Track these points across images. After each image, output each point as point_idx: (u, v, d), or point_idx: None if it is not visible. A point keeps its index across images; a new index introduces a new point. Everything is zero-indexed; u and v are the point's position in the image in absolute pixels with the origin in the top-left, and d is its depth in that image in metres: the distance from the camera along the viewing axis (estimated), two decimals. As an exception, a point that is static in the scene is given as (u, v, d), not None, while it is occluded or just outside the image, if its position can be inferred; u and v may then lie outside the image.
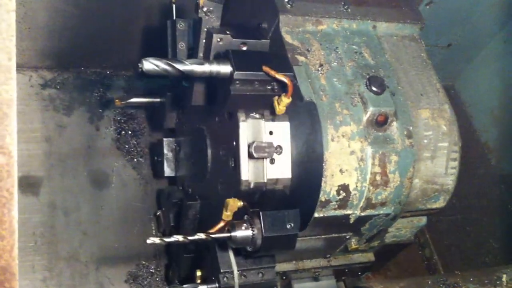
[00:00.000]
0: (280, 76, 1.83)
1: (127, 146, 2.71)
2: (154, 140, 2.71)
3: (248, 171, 1.85)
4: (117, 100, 2.41)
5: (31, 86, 2.68)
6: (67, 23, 2.57)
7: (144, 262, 2.52)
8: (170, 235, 1.81)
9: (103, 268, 2.45)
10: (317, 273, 2.49)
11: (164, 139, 2.49)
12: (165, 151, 2.46)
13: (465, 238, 2.86)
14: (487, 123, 3.20)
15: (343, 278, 2.60)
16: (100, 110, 2.75)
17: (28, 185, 2.46)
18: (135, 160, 2.70)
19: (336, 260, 2.46)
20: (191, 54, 2.08)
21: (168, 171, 2.47)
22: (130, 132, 2.74)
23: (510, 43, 3.11)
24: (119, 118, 2.75)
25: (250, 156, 1.84)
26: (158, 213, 2.54)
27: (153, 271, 2.51)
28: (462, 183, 2.36)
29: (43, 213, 2.46)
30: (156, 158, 2.56)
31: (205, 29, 2.05)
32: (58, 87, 2.72)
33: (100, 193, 2.60)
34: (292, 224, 1.83)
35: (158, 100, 2.45)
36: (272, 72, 1.83)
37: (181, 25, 2.17)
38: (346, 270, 2.56)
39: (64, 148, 2.62)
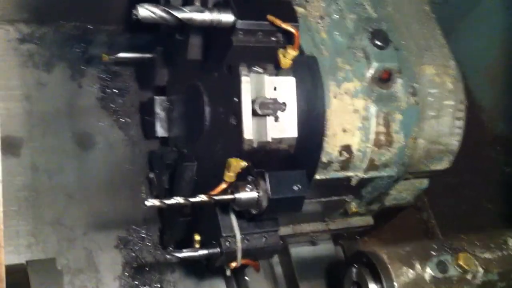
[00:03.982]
0: (286, 26, 1.70)
1: (113, 105, 2.56)
2: (143, 99, 2.57)
3: (251, 129, 1.73)
4: (104, 55, 2.26)
5: (8, 41, 2.51)
6: (45, -27, 2.40)
7: (134, 227, 2.41)
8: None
9: (91, 233, 2.33)
10: (314, 237, 2.42)
11: (156, 97, 2.34)
12: (157, 110, 2.32)
13: (461, 201, 2.80)
14: (481, 82, 3.13)
15: (340, 242, 2.54)
16: (83, 67, 2.59)
17: (8, 145, 2.31)
18: (122, 120, 2.56)
19: (334, 224, 2.38)
20: (186, 1, 1.92)
21: (160, 131, 2.33)
22: (115, 91, 2.59)
23: (507, -2, 3.02)
24: (103, 76, 2.59)
25: (254, 113, 1.72)
26: (151, 176, 2.41)
27: (144, 236, 2.40)
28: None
29: (25, 176, 2.32)
30: (146, 117, 2.42)
31: None
32: (37, 42, 2.54)
33: (85, 154, 2.46)
34: (299, 186, 1.72)
35: (148, 55, 2.30)
36: (278, 22, 1.70)
37: (175, -30, 2.01)
38: (345, 234, 2.49)
39: (45, 107, 2.46)
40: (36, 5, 2.53)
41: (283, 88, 1.79)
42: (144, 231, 2.42)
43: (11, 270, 1.45)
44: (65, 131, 2.47)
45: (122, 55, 2.27)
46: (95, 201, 2.40)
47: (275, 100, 1.72)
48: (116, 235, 2.38)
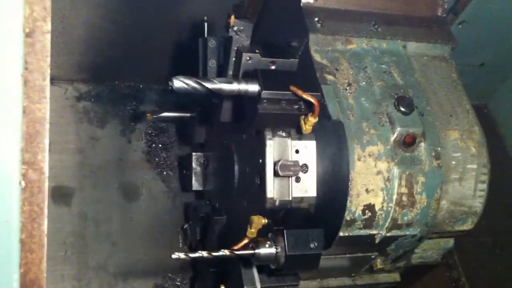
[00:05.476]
0: (307, 96, 1.85)
1: (157, 159, 2.76)
2: (183, 153, 2.75)
3: (273, 189, 1.87)
4: (148, 115, 2.46)
5: (66, 98, 2.75)
6: (103, 38, 2.64)
7: (170, 275, 2.55)
8: (196, 249, 1.85)
9: (131, 280, 2.48)
10: (341, 292, 2.49)
11: (193, 153, 2.52)
12: (194, 165, 2.49)
13: (495, 261, 2.80)
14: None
15: (368, 298, 2.59)
16: (132, 123, 2.80)
17: (60, 195, 2.52)
18: (165, 173, 2.75)
19: (361, 280, 2.45)
20: (221, 71, 2.11)
21: (195, 185, 2.50)
22: (160, 145, 2.78)
23: (546, 63, 3.07)
24: (150, 131, 2.80)
25: (276, 174, 1.86)
26: (185, 226, 2.57)
27: (179, 283, 2.54)
28: (493, 204, 2.33)
29: (74, 223, 2.51)
30: (184, 171, 2.60)
31: (235, 48, 2.09)
32: (93, 100, 2.78)
33: (130, 205, 2.64)
34: (316, 244, 1.83)
35: (188, 115, 2.49)
36: (299, 92, 1.85)
37: (212, 43, 2.22)
38: (372, 291, 2.55)
39: (96, 160, 2.68)
40: (94, 66, 2.77)
41: (305, 151, 1.93)
42: (179, 279, 2.55)
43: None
44: (113, 183, 2.66)
45: (164, 114, 2.46)
46: (136, 249, 2.56)
47: (295, 163, 1.86)
48: (154, 282, 2.51)
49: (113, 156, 2.72)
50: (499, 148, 2.73)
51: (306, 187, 1.91)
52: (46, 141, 1.32)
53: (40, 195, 1.30)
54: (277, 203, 1.88)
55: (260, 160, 1.90)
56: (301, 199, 1.91)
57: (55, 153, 2.57)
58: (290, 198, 1.88)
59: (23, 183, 1.29)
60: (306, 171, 1.90)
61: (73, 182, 2.58)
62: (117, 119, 2.79)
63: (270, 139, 1.90)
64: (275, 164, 1.87)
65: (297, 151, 1.92)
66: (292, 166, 1.84)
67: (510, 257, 2.82)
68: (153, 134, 2.80)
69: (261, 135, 1.91)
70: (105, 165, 2.69)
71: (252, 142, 1.98)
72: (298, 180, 1.89)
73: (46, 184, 1.32)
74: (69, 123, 2.70)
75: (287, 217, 1.91)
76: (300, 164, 1.89)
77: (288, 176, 1.87)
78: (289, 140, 1.91)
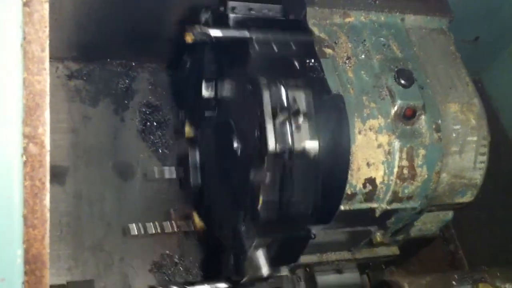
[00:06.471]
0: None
1: (152, 138, 2.72)
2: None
3: (273, 137, 1.85)
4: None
5: (57, 77, 2.69)
6: (93, 15, 2.58)
7: (168, 252, 2.53)
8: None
9: (127, 258, 2.46)
10: (340, 266, 2.49)
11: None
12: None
13: (491, 235, 2.82)
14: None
15: (366, 271, 2.59)
16: (126, 101, 2.76)
17: (54, 175, 2.47)
18: (160, 151, 2.71)
19: (360, 253, 2.46)
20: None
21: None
22: (155, 123, 2.74)
23: (541, 37, 3.06)
24: (144, 110, 2.75)
25: (275, 120, 1.86)
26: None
27: (177, 261, 2.52)
28: (489, 179, 2.34)
29: (68, 203, 2.47)
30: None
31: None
32: (84, 78, 2.73)
33: (125, 184, 2.61)
34: None
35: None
36: None
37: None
38: (370, 264, 2.55)
39: (89, 139, 2.63)
40: (85, 44, 2.72)
41: (302, 99, 1.93)
42: (177, 256, 2.53)
43: (54, 291, 1.58)
44: (107, 162, 2.62)
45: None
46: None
47: (294, 109, 1.86)
48: (151, 259, 2.49)
49: (106, 135, 2.67)
50: (493, 123, 2.73)
51: (307, 134, 1.90)
52: (47, 114, 1.28)
53: (41, 169, 1.26)
54: (278, 149, 1.86)
55: (258, 109, 1.87)
56: (303, 148, 1.89)
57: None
58: (291, 145, 1.86)
59: (24, 158, 1.25)
60: (305, 119, 1.89)
61: (66, 161, 2.53)
62: (109, 97, 2.74)
63: (265, 84, 1.87)
64: (273, 111, 1.86)
65: (294, 99, 1.90)
66: (291, 113, 1.85)
67: (507, 231, 2.84)
68: (147, 112, 2.76)
69: (255, 83, 1.90)
70: (99, 144, 2.64)
71: (246, 95, 1.97)
72: (298, 128, 1.87)
73: (48, 158, 1.28)
74: (60, 102, 2.64)
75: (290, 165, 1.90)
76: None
77: (287, 124, 1.85)
78: (283, 88, 1.90)
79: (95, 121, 2.68)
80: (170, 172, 2.60)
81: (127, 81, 2.78)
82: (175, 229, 2.47)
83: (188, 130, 2.55)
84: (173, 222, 2.50)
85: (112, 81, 2.77)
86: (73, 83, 2.71)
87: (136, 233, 2.40)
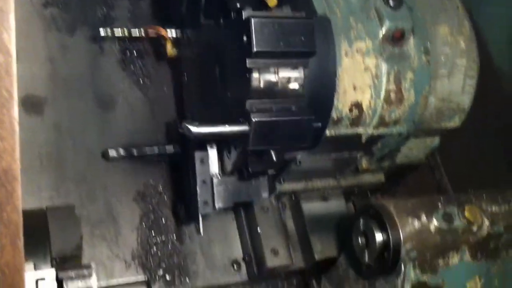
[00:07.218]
0: None
1: (132, 67, 2.63)
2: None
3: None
4: None
5: (32, 5, 2.58)
6: None
7: (151, 181, 2.48)
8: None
9: (110, 188, 2.41)
10: (326, 193, 2.47)
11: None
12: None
13: (477, 163, 2.80)
14: (502, 48, 3.11)
15: (352, 199, 2.58)
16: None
17: (32, 104, 2.39)
18: (141, 81, 2.63)
19: (345, 180, 2.44)
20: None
21: None
22: (135, 52, 2.65)
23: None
24: (123, 38, 2.65)
25: None
26: None
27: (161, 190, 2.48)
28: (474, 106, 2.30)
29: (48, 134, 2.39)
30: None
31: None
32: (60, 6, 2.60)
33: (106, 114, 2.53)
34: None
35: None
36: None
37: None
38: (356, 191, 2.53)
39: (68, 69, 2.52)
40: (60, -31, 2.60)
41: None
42: (161, 185, 2.49)
43: (30, 214, 1.52)
44: (86, 92, 2.53)
45: None
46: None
47: None
48: (135, 189, 2.45)
49: (85, 65, 2.57)
50: (482, 54, 2.68)
51: None
52: (12, 19, 1.19)
53: (8, 78, 1.19)
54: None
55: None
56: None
57: (24, 62, 2.41)
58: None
59: (-14, 67, 1.17)
60: None
61: (44, 91, 2.44)
62: (86, 26, 2.63)
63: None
64: None
65: None
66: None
67: (492, 158, 2.82)
68: (127, 41, 2.65)
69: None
70: (77, 74, 2.54)
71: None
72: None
73: (14, 67, 1.20)
74: (36, 31, 2.53)
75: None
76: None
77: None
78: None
79: (73, 50, 2.57)
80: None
81: (104, 9, 2.67)
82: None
83: (170, 49, 2.46)
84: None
85: (89, 9, 2.65)
86: (48, 11, 2.59)
87: (116, 155, 2.34)
